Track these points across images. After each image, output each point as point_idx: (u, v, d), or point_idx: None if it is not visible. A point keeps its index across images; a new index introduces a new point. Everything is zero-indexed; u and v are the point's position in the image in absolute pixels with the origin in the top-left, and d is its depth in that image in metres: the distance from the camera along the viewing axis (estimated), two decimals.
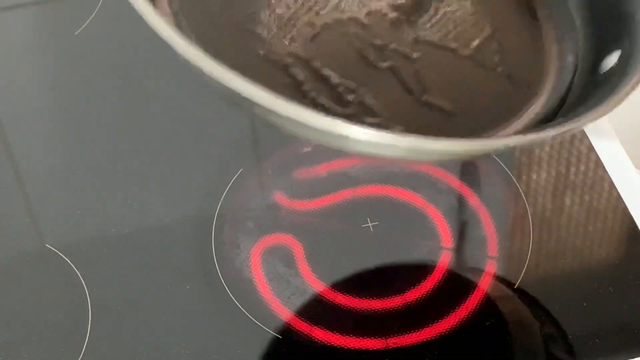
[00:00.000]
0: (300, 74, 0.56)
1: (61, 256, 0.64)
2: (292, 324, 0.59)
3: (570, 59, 0.58)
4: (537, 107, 0.56)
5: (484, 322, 0.59)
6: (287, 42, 0.57)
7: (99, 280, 0.62)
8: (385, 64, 0.58)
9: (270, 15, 0.58)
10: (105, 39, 0.82)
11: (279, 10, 0.58)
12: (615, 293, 0.60)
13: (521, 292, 0.60)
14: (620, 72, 0.52)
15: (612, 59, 0.55)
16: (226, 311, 0.61)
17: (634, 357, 0.56)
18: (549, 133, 0.46)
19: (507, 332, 0.58)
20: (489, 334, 0.57)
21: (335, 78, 0.56)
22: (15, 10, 0.87)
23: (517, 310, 0.55)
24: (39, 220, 0.68)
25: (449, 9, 0.61)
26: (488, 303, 0.60)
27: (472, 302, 0.60)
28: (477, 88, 0.57)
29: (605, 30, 0.57)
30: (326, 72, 0.56)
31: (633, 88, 0.48)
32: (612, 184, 0.65)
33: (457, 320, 0.59)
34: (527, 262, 0.62)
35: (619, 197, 0.65)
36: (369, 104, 0.55)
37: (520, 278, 0.61)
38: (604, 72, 0.55)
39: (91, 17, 0.83)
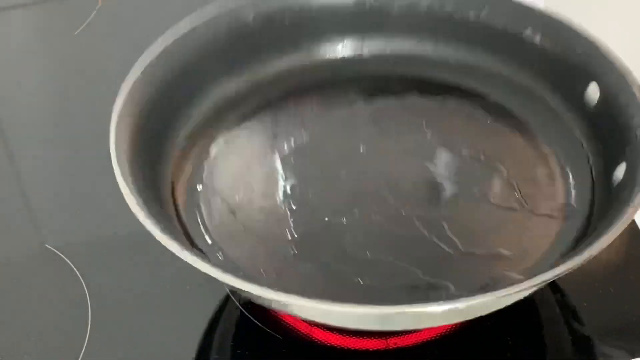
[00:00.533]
0: (341, 267, 0.56)
1: (61, 256, 0.64)
2: (292, 324, 0.59)
3: (584, 178, 0.60)
4: (569, 231, 0.57)
5: (484, 322, 0.59)
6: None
7: (99, 280, 0.62)
8: (417, 232, 0.58)
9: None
10: (105, 39, 0.82)
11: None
12: (615, 293, 0.60)
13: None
14: (628, 185, 0.53)
15: (620, 171, 0.56)
16: (226, 311, 0.61)
17: (634, 357, 0.56)
18: (546, 276, 0.49)
19: (507, 332, 0.58)
20: (489, 334, 0.57)
21: (373, 256, 0.57)
22: (15, 10, 0.87)
23: (517, 310, 0.55)
24: (39, 221, 0.68)
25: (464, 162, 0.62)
26: None
27: None
28: (510, 229, 0.58)
29: (610, 144, 0.58)
30: (362, 254, 0.57)
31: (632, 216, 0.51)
32: None
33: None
34: None
35: None
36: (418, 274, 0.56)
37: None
38: (616, 185, 0.56)
39: (91, 17, 0.83)
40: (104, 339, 0.59)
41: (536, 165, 0.61)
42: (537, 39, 0.63)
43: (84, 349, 0.59)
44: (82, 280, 0.62)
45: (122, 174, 0.53)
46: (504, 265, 0.55)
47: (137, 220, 0.63)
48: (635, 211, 0.50)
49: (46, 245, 0.65)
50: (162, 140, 0.60)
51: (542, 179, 0.60)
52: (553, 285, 0.57)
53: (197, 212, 0.59)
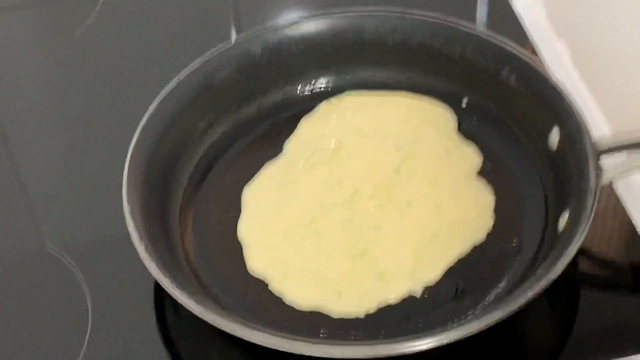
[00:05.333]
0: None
1: (61, 258, 0.64)
2: None
3: (539, 217, 0.63)
4: (518, 268, 0.60)
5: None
6: None
7: (99, 280, 0.62)
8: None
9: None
10: (105, 39, 0.82)
11: None
12: (615, 293, 0.60)
13: None
14: (566, 236, 0.57)
15: (564, 219, 0.59)
16: None
17: (632, 356, 0.56)
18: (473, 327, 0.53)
19: (507, 332, 0.58)
20: (489, 333, 0.57)
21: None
22: (15, 11, 0.87)
23: (516, 310, 0.55)
24: (40, 222, 0.68)
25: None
26: None
27: None
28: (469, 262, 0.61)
29: (562, 189, 0.62)
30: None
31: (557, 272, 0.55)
32: (612, 184, 0.65)
33: None
34: None
35: (618, 197, 0.65)
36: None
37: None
38: (560, 230, 0.59)
39: (91, 17, 0.83)
40: (104, 340, 0.59)
41: (501, 199, 0.64)
42: (512, 79, 0.67)
43: (84, 349, 0.59)
44: (82, 282, 0.62)
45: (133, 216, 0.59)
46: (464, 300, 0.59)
47: None
48: (570, 256, 0.55)
49: (47, 245, 0.65)
50: (175, 171, 0.66)
51: (502, 212, 0.64)
52: (552, 286, 0.57)
53: (197, 236, 0.64)
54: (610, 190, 0.65)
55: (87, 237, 0.66)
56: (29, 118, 0.76)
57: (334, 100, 0.71)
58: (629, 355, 0.56)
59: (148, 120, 0.65)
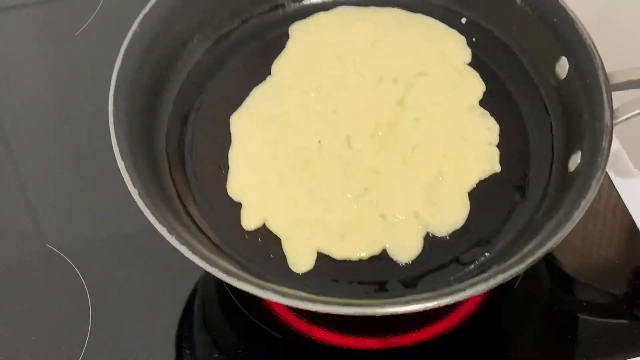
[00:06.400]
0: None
1: (62, 256, 0.64)
2: (292, 324, 0.59)
3: (545, 157, 0.60)
4: (526, 208, 0.58)
5: (484, 322, 0.59)
6: None
7: (99, 280, 0.62)
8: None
9: None
10: (105, 39, 0.82)
11: None
12: (615, 293, 0.60)
13: (520, 293, 0.60)
14: (581, 175, 0.53)
15: (576, 158, 0.56)
16: (227, 311, 0.61)
17: (634, 357, 0.56)
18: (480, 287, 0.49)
19: (506, 333, 0.58)
20: (488, 334, 0.57)
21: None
22: (15, 10, 0.87)
23: (516, 310, 0.55)
24: (40, 220, 0.69)
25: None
26: (487, 303, 0.60)
27: (471, 303, 0.60)
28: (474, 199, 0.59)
29: (571, 124, 0.58)
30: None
31: (579, 215, 0.51)
32: (612, 184, 0.65)
33: (456, 320, 0.59)
34: None
35: (618, 197, 0.65)
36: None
37: (519, 279, 0.61)
38: (571, 171, 0.56)
39: (91, 17, 0.83)
40: (105, 339, 0.59)
41: (506, 133, 0.61)
42: (519, 0, 0.63)
43: (84, 349, 0.59)
44: (83, 280, 0.62)
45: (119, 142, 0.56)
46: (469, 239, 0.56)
47: (138, 221, 0.64)
48: (588, 203, 0.51)
49: (47, 245, 0.65)
50: (160, 97, 0.62)
51: (507, 148, 0.60)
52: (553, 285, 0.58)
53: (186, 170, 0.61)
54: (610, 190, 0.65)
55: (88, 235, 0.66)
56: (29, 118, 0.76)
57: (324, 15, 0.67)
58: (630, 357, 0.56)
59: (130, 43, 0.61)
